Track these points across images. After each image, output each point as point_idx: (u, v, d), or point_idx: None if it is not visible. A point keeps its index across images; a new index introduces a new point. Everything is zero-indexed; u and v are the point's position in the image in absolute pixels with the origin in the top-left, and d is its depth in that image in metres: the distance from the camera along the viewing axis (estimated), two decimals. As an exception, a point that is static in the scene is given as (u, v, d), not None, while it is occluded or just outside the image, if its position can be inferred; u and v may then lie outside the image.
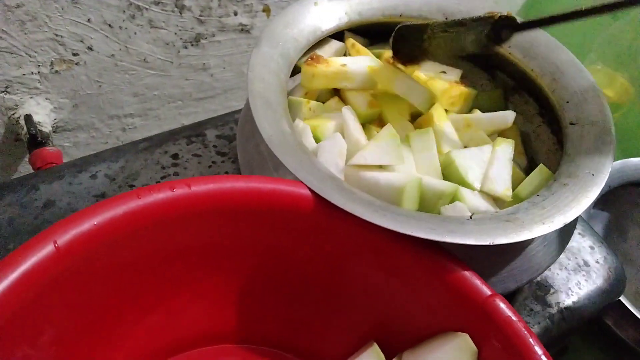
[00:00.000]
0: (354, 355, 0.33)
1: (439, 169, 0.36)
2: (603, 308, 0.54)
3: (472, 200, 0.34)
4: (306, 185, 0.30)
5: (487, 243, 0.28)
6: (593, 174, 0.33)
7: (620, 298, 0.55)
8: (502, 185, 0.35)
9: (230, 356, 0.36)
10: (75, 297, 0.27)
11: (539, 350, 0.27)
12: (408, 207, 0.33)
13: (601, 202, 0.64)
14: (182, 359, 0.35)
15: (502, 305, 0.28)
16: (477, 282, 0.29)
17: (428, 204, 0.34)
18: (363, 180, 0.34)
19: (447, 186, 0.34)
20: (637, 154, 0.66)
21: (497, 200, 0.36)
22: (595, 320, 0.58)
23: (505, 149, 0.37)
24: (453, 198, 0.34)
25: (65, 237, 0.25)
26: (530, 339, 0.27)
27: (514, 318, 0.28)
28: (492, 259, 0.33)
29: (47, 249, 0.24)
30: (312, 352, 0.35)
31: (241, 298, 0.34)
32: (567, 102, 0.39)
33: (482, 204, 0.34)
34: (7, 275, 0.23)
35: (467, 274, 0.29)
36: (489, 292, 0.28)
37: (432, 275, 0.29)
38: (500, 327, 0.28)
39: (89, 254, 0.26)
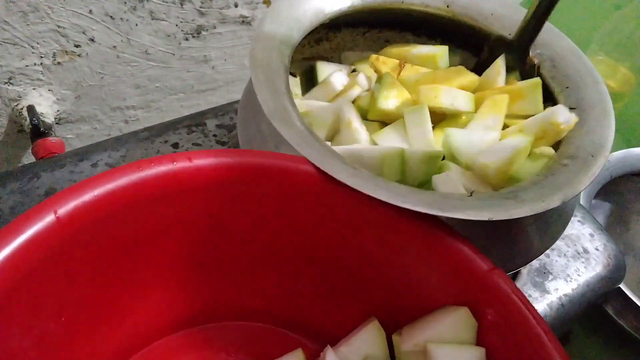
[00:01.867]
0: (354, 331, 0.33)
1: (432, 143, 0.36)
2: (604, 297, 0.54)
3: (461, 176, 0.34)
4: (309, 161, 0.30)
5: (486, 218, 0.28)
6: (593, 156, 0.33)
7: (622, 287, 0.55)
8: (491, 158, 0.35)
9: (228, 333, 0.36)
10: (76, 268, 0.27)
11: (538, 323, 0.26)
12: (389, 177, 0.33)
13: (603, 192, 0.64)
14: (178, 338, 0.35)
15: (502, 279, 0.28)
16: (477, 256, 0.29)
17: (416, 174, 0.34)
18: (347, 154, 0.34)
19: (430, 150, 0.34)
20: (639, 144, 0.66)
21: (488, 180, 0.35)
22: (597, 309, 0.58)
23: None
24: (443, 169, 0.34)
25: (66, 207, 0.25)
26: (530, 313, 0.27)
27: (513, 292, 0.27)
28: (490, 239, 0.34)
29: (48, 219, 0.24)
30: (312, 327, 0.36)
31: (241, 273, 0.34)
32: (567, 87, 0.39)
33: (472, 182, 0.34)
34: (9, 243, 0.23)
35: (467, 248, 0.29)
36: (488, 266, 0.28)
37: (432, 250, 0.29)
38: (499, 300, 0.28)
39: (90, 224, 0.26)
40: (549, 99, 0.41)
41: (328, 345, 0.32)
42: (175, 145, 0.49)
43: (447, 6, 0.44)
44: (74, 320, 0.28)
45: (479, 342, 0.29)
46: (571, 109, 0.37)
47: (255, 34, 0.36)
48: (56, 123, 0.61)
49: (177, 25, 0.60)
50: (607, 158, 0.33)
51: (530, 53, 0.41)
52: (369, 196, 0.28)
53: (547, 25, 0.42)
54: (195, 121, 0.51)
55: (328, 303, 0.35)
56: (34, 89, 0.57)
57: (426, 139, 0.36)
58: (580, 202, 0.58)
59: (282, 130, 0.31)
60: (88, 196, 0.25)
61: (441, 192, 0.31)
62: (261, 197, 0.30)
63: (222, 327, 0.36)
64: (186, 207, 0.29)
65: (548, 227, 0.36)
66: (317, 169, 0.29)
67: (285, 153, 0.33)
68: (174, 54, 0.62)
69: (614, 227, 0.67)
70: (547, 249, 0.36)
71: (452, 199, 0.30)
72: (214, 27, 0.62)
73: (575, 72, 0.39)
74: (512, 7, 0.44)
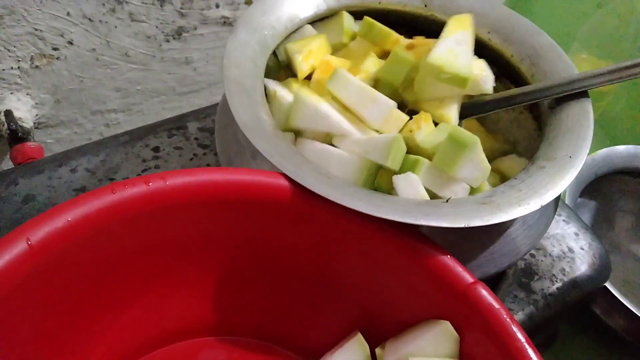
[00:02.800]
0: (338, 345, 0.33)
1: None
2: (591, 296, 0.53)
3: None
4: (283, 174, 0.29)
5: (462, 225, 0.28)
6: (570, 156, 0.33)
7: (609, 286, 0.55)
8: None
9: (212, 348, 0.35)
10: (51, 293, 0.27)
11: (521, 337, 0.26)
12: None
13: (588, 191, 0.64)
14: (164, 353, 0.34)
15: (484, 292, 0.28)
16: (459, 269, 0.28)
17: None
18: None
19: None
20: (624, 142, 0.66)
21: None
22: (584, 309, 0.58)
23: None
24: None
25: (38, 234, 0.24)
26: (512, 326, 0.27)
27: (495, 305, 0.27)
28: (470, 243, 0.33)
29: (20, 247, 0.24)
30: (296, 342, 0.35)
31: (222, 290, 0.34)
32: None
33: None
34: None
35: (449, 261, 0.29)
36: (470, 280, 0.28)
37: (413, 263, 0.29)
38: (482, 314, 0.27)
39: (64, 250, 0.25)
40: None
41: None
42: (156, 149, 0.48)
43: (425, 5, 0.43)
44: (52, 342, 0.28)
45: (461, 356, 0.29)
46: (550, 108, 0.37)
47: (228, 43, 0.35)
48: (35, 128, 0.60)
49: (157, 27, 0.59)
50: (584, 159, 0.33)
51: (509, 51, 0.41)
52: (345, 207, 0.28)
53: (527, 23, 0.42)
54: (176, 124, 0.50)
55: (311, 317, 0.35)
56: (11, 93, 0.56)
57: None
58: (565, 202, 0.58)
59: (255, 141, 0.30)
60: (61, 222, 0.25)
61: (416, 200, 0.30)
62: (237, 215, 0.30)
63: (206, 341, 0.35)
64: (162, 227, 0.29)
65: (530, 228, 0.36)
66: (292, 182, 0.29)
67: (261, 163, 0.33)
68: (154, 56, 0.61)
69: (599, 226, 0.67)
70: (531, 249, 0.36)
71: (427, 206, 0.29)
72: (195, 29, 0.61)
73: (554, 70, 0.39)
74: (490, 4, 0.44)
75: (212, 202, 0.29)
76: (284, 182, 0.29)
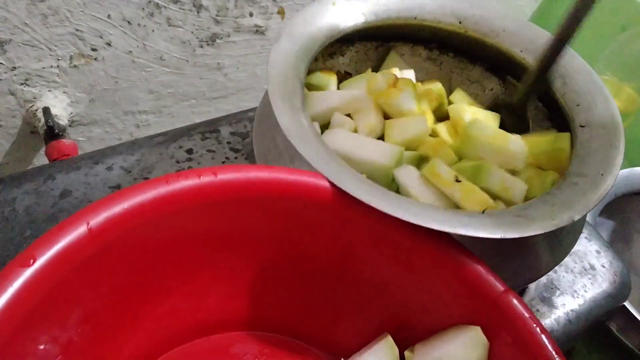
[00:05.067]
0: (367, 346, 0.34)
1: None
2: (607, 313, 0.54)
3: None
4: (325, 177, 0.30)
5: (498, 236, 0.29)
6: (602, 174, 0.34)
7: (626, 304, 0.56)
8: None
9: (244, 343, 0.36)
10: (104, 278, 0.28)
11: (550, 347, 0.27)
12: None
13: (607, 211, 0.64)
14: (198, 344, 0.35)
15: (515, 301, 0.28)
16: (491, 277, 0.29)
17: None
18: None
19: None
20: (643, 164, 0.66)
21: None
22: (600, 326, 0.58)
23: None
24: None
25: (97, 219, 0.26)
26: (543, 336, 0.27)
27: (526, 314, 0.28)
28: (500, 255, 0.34)
29: (81, 230, 0.25)
30: (326, 341, 0.36)
31: (257, 285, 0.34)
32: (578, 105, 0.40)
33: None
34: (44, 254, 0.24)
35: (482, 268, 0.29)
36: (502, 288, 0.29)
37: (446, 269, 0.30)
38: (513, 322, 0.28)
39: (119, 236, 0.27)
40: (560, 117, 0.42)
41: (341, 359, 0.32)
42: (190, 151, 0.49)
43: (460, 22, 0.44)
44: (99, 326, 0.29)
45: None
46: (581, 126, 0.38)
47: (272, 51, 0.37)
48: (69, 125, 0.62)
49: (192, 33, 0.60)
50: (616, 177, 0.34)
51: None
52: (383, 213, 0.29)
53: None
54: (209, 128, 0.51)
55: (342, 317, 0.35)
56: (49, 90, 0.58)
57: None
58: (587, 220, 0.59)
59: (298, 146, 0.32)
60: (119, 208, 0.26)
61: (454, 209, 0.31)
62: (279, 212, 0.31)
63: (239, 336, 0.36)
64: (209, 219, 0.30)
65: (558, 243, 0.37)
66: (333, 185, 0.30)
67: (299, 167, 0.34)
68: (188, 61, 0.63)
69: (616, 245, 0.67)
70: (557, 264, 0.37)
71: (463, 216, 0.30)
72: (229, 36, 0.63)
73: (586, 90, 0.40)
74: (522, 24, 0.45)
75: (258, 198, 0.30)
76: (325, 184, 0.30)
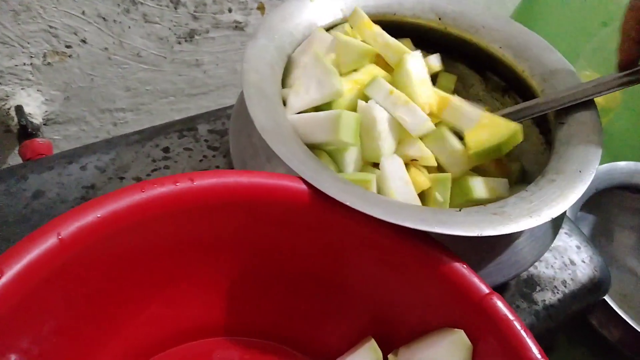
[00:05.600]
0: (351, 350, 0.33)
1: None
2: (588, 308, 0.54)
3: None
4: (302, 179, 0.30)
5: (475, 234, 0.29)
6: (580, 171, 0.34)
7: (606, 298, 0.56)
8: None
9: (226, 348, 0.36)
10: (77, 287, 0.27)
11: (535, 349, 0.27)
12: (346, 137, 0.34)
13: (588, 205, 0.65)
14: (179, 351, 0.35)
15: (500, 304, 0.28)
16: (475, 279, 0.29)
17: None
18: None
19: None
20: (625, 158, 0.67)
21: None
22: (581, 320, 0.59)
23: None
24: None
25: (69, 229, 0.25)
26: (527, 338, 0.27)
27: (511, 317, 0.28)
28: (479, 253, 0.34)
29: (51, 241, 0.24)
30: (309, 345, 0.36)
31: (238, 291, 0.34)
32: (556, 101, 0.39)
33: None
34: (12, 266, 0.23)
35: (465, 271, 0.29)
36: (486, 290, 0.29)
37: (429, 271, 0.30)
38: (497, 325, 0.28)
39: (92, 245, 0.26)
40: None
41: None
42: (166, 150, 0.49)
43: (439, 19, 0.44)
44: (74, 338, 0.28)
45: None
46: (560, 123, 0.38)
47: (248, 48, 0.36)
48: (44, 124, 0.60)
49: (170, 29, 0.59)
50: (593, 174, 0.33)
51: (521, 66, 0.42)
52: (362, 213, 0.28)
53: (538, 39, 0.43)
54: (186, 126, 0.51)
55: (325, 321, 0.35)
56: (22, 88, 0.56)
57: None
58: (566, 214, 0.59)
59: (274, 145, 0.31)
60: (91, 217, 0.26)
61: (431, 208, 0.31)
62: (258, 217, 0.31)
63: (220, 342, 0.36)
64: (186, 226, 0.30)
65: (537, 240, 0.37)
66: (312, 187, 0.30)
67: (276, 167, 0.33)
68: (166, 58, 0.62)
69: (598, 240, 0.68)
70: (537, 260, 0.37)
71: (441, 214, 0.30)
72: (207, 32, 0.62)
73: (565, 87, 0.40)
74: (502, 20, 0.45)
75: (236, 204, 0.29)
76: (304, 187, 0.30)
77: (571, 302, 0.46)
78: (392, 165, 0.35)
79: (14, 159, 0.64)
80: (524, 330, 0.27)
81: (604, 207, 0.67)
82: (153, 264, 0.30)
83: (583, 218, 0.67)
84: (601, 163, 0.65)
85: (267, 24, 0.38)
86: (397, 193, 0.34)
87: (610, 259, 0.68)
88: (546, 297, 0.45)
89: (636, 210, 0.67)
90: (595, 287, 0.47)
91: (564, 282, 0.46)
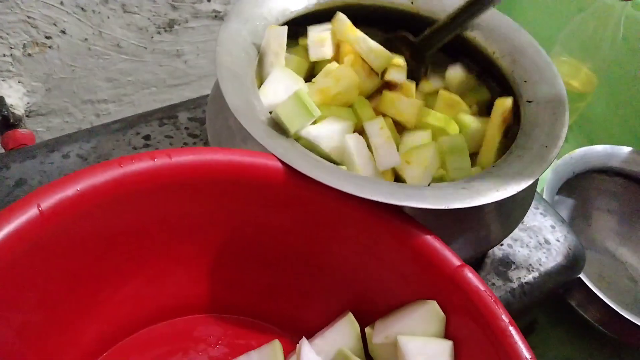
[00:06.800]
0: (329, 324, 0.34)
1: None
2: (565, 286, 0.55)
3: None
4: (276, 157, 0.31)
5: (442, 207, 0.29)
6: (546, 147, 0.35)
7: (584, 279, 0.57)
8: None
9: (207, 325, 0.36)
10: (57, 261, 0.28)
11: (504, 317, 0.28)
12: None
13: (566, 189, 0.66)
14: (161, 328, 0.35)
15: (470, 275, 0.29)
16: (447, 252, 0.30)
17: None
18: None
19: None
20: (602, 142, 0.68)
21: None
22: (561, 301, 0.60)
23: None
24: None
25: (49, 201, 0.25)
26: (497, 307, 0.28)
27: (481, 287, 0.29)
28: (449, 227, 0.35)
29: (31, 212, 0.25)
30: (289, 321, 0.36)
31: (218, 268, 0.35)
32: (525, 81, 0.40)
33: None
34: None
35: (437, 244, 0.30)
36: (458, 262, 0.29)
37: (401, 245, 0.30)
38: (468, 295, 0.29)
39: (72, 218, 0.26)
40: (510, 93, 0.42)
41: (303, 337, 0.33)
42: (147, 138, 0.49)
43: (412, 2, 0.45)
44: (56, 310, 0.29)
45: (447, 335, 0.31)
46: (528, 102, 0.39)
47: (221, 32, 0.37)
48: (26, 116, 0.60)
49: (149, 19, 0.60)
50: (559, 148, 0.34)
51: (491, 48, 0.43)
52: (334, 190, 0.29)
53: (508, 21, 0.44)
54: (167, 114, 0.51)
55: (304, 297, 0.36)
56: (3, 80, 0.56)
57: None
58: (544, 197, 0.60)
59: (246, 125, 0.32)
60: (71, 191, 0.26)
61: (399, 183, 0.32)
62: (235, 194, 0.31)
63: (202, 318, 0.36)
64: (163, 203, 0.30)
65: (507, 215, 0.38)
66: (284, 165, 0.30)
67: (252, 148, 0.34)
68: (146, 48, 0.62)
69: (576, 222, 0.69)
70: (508, 235, 0.38)
71: (409, 189, 0.31)
72: (187, 22, 0.62)
73: (534, 67, 0.41)
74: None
75: (213, 181, 0.30)
76: (278, 164, 0.31)
77: (546, 280, 0.47)
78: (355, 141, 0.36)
79: (-3, 151, 0.64)
80: (494, 300, 0.28)
81: (581, 190, 0.68)
82: (133, 240, 0.30)
83: (561, 201, 0.68)
84: (579, 147, 0.67)
85: (239, 8, 0.39)
86: (363, 169, 0.35)
87: (589, 241, 0.69)
88: (521, 274, 0.46)
89: (613, 193, 0.68)
90: (569, 265, 0.48)
91: (538, 261, 0.47)
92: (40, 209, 0.25)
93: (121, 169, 0.27)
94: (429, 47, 0.43)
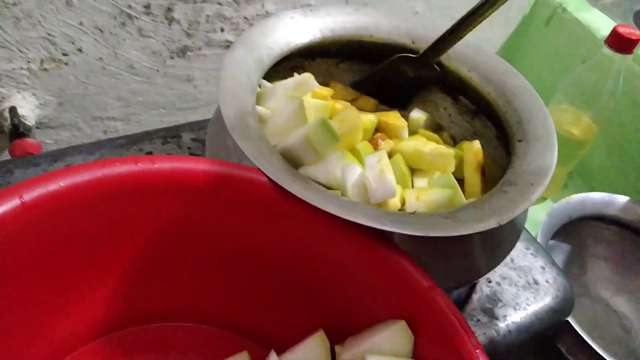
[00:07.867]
0: (301, 341, 0.34)
1: None
2: (556, 331, 0.55)
3: None
4: (263, 172, 0.32)
5: (422, 234, 0.30)
6: (532, 184, 0.35)
7: (575, 325, 0.57)
8: None
9: (179, 333, 0.37)
10: (34, 255, 0.28)
11: (473, 341, 0.28)
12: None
13: (562, 234, 0.66)
14: (131, 334, 0.36)
15: (440, 297, 0.30)
16: (418, 272, 0.30)
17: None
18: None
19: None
20: (601, 190, 0.68)
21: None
22: (550, 346, 0.59)
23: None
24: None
25: (31, 194, 0.27)
26: (464, 331, 0.28)
27: (450, 310, 0.29)
28: (432, 255, 0.35)
29: (14, 202, 0.26)
30: (260, 333, 0.37)
31: (194, 277, 0.35)
32: (517, 122, 0.42)
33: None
34: None
35: (408, 264, 0.30)
36: (428, 284, 0.30)
37: (374, 264, 0.31)
38: (437, 317, 0.29)
39: (53, 212, 0.27)
40: (504, 135, 0.44)
41: (272, 350, 0.33)
42: (149, 154, 0.51)
43: (413, 42, 0.47)
44: (29, 307, 0.29)
45: (414, 355, 0.31)
46: (519, 141, 0.40)
47: (226, 57, 0.38)
48: (36, 127, 0.62)
49: (163, 44, 0.62)
50: (545, 187, 0.35)
51: (487, 88, 0.44)
52: (317, 208, 0.30)
53: (504, 64, 0.46)
54: (171, 133, 0.53)
55: (277, 311, 0.36)
56: (18, 92, 0.59)
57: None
58: (538, 240, 0.60)
59: (241, 143, 0.33)
60: (54, 185, 0.27)
61: (384, 209, 0.33)
62: (218, 204, 0.32)
63: (172, 327, 0.37)
64: (145, 207, 0.31)
65: (492, 248, 0.38)
66: (271, 181, 0.31)
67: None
68: (158, 71, 0.65)
69: (571, 269, 0.69)
70: (491, 269, 0.38)
71: (393, 215, 0.32)
72: (199, 49, 0.65)
73: (527, 109, 0.42)
74: (473, 48, 0.47)
75: (195, 189, 0.31)
76: (263, 179, 0.32)
77: (533, 320, 0.47)
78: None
79: (4, 158, 0.66)
80: (463, 323, 0.28)
81: (577, 236, 0.68)
82: (112, 241, 0.31)
83: (556, 246, 0.68)
84: (577, 193, 0.67)
85: (245, 37, 0.40)
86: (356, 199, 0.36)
87: (583, 288, 0.69)
88: (508, 313, 0.46)
89: (609, 241, 0.68)
90: (558, 307, 0.48)
91: (526, 300, 0.47)
92: (22, 199, 0.26)
93: (104, 169, 0.29)
94: (437, 54, 0.45)
